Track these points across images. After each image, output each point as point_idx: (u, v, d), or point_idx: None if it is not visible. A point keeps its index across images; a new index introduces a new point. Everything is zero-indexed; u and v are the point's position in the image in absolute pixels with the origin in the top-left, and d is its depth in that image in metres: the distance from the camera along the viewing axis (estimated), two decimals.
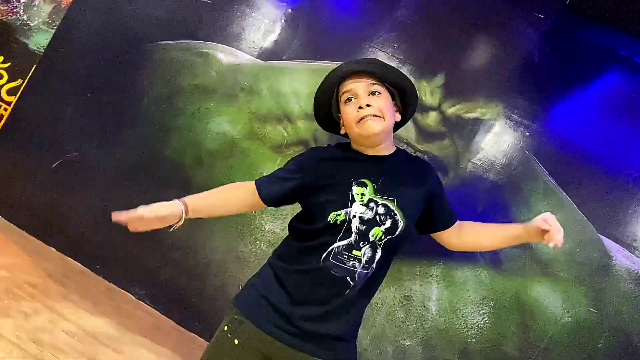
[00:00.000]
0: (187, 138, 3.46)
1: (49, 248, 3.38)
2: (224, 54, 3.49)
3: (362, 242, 1.38)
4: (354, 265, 1.38)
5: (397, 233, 1.40)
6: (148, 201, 1.42)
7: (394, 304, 3.19)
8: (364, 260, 1.39)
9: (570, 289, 3.09)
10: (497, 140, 3.23)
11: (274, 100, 3.43)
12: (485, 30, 3.32)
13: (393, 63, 3.34)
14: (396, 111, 1.52)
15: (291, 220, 1.54)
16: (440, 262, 3.15)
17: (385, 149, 1.51)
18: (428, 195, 1.52)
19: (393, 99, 1.49)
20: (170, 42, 3.52)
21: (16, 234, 3.36)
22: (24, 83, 3.63)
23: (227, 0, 3.53)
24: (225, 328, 1.42)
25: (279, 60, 3.47)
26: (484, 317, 3.13)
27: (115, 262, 3.38)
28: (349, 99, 1.45)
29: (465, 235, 1.60)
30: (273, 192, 1.48)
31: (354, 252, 1.37)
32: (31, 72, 3.63)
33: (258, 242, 3.33)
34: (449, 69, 3.30)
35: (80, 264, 3.37)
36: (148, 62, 3.54)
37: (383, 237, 1.39)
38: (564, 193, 3.15)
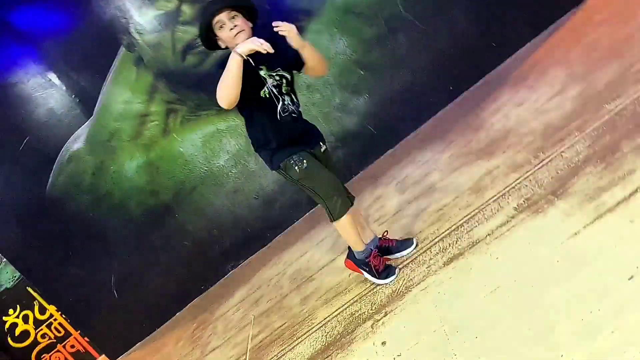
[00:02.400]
0: (131, 195, 4.43)
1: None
2: (76, 143, 4.30)
3: (285, 96, 2.35)
4: (290, 107, 2.38)
5: (289, 80, 2.41)
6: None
7: (309, 96, 4.34)
8: (293, 101, 2.40)
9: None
10: None
11: (126, 121, 4.30)
12: None
13: (124, 15, 4.11)
14: (248, 20, 2.37)
15: (245, 118, 2.40)
16: None
17: None
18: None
19: (244, 15, 2.34)
20: (50, 178, 4.34)
21: None
22: None
23: (33, 115, 4.24)
24: (297, 168, 2.38)
25: (96, 104, 4.26)
26: (343, 39, 4.27)
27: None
28: (221, 26, 2.25)
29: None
30: None
31: (286, 102, 2.36)
32: None
33: (229, 172, 4.44)
34: None
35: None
36: (61, 200, 4.40)
37: (287, 87, 2.38)
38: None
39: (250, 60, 2.19)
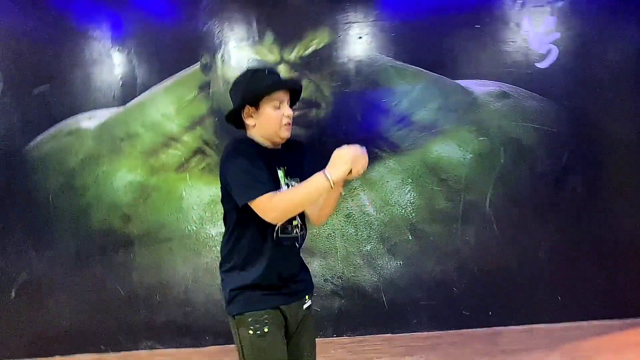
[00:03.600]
0: (103, 205, 3.73)
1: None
2: (88, 121, 3.72)
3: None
4: (295, 232, 1.78)
5: None
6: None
7: (343, 226, 3.68)
8: (300, 226, 1.80)
9: (459, 134, 3.66)
10: (343, 56, 3.66)
11: (151, 132, 3.72)
12: None
13: (220, 37, 3.68)
14: None
15: (234, 224, 1.77)
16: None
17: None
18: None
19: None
20: (39, 137, 3.72)
21: None
22: None
23: (68, 69, 3.72)
24: (250, 332, 1.71)
25: (134, 98, 3.73)
26: (411, 193, 3.68)
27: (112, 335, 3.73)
28: (278, 106, 1.75)
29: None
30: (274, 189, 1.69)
31: (293, 222, 1.76)
32: None
33: (214, 247, 3.72)
34: (272, 25, 3.66)
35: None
36: (33, 165, 3.73)
37: None
38: (412, 66, 3.66)
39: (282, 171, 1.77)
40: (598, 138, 3.64)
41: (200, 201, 3.74)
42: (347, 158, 1.60)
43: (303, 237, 1.84)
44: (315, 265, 3.66)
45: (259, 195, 1.61)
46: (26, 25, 3.72)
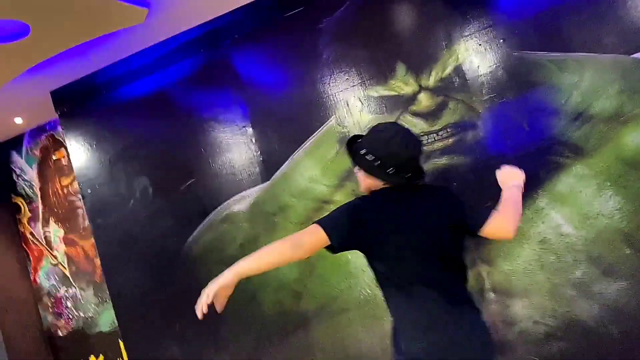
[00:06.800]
0: (270, 287, 3.56)
1: None
2: (239, 204, 3.65)
3: None
4: None
5: None
6: None
7: (540, 255, 3.13)
8: None
9: None
10: (487, 65, 3.23)
11: (302, 200, 3.52)
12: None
13: (350, 83, 3.43)
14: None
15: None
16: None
17: None
18: None
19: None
20: (196, 232, 3.69)
21: None
22: None
23: (207, 159, 3.70)
24: None
25: (277, 170, 3.58)
26: (614, 198, 3.03)
27: None
28: None
29: None
30: None
31: None
32: None
33: None
34: (400, 56, 3.35)
35: None
36: (194, 261, 3.69)
37: None
38: (574, 53, 3.12)
39: None
40: None
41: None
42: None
43: None
44: (518, 308, 3.14)
45: None
46: (160, 128, 3.79)
